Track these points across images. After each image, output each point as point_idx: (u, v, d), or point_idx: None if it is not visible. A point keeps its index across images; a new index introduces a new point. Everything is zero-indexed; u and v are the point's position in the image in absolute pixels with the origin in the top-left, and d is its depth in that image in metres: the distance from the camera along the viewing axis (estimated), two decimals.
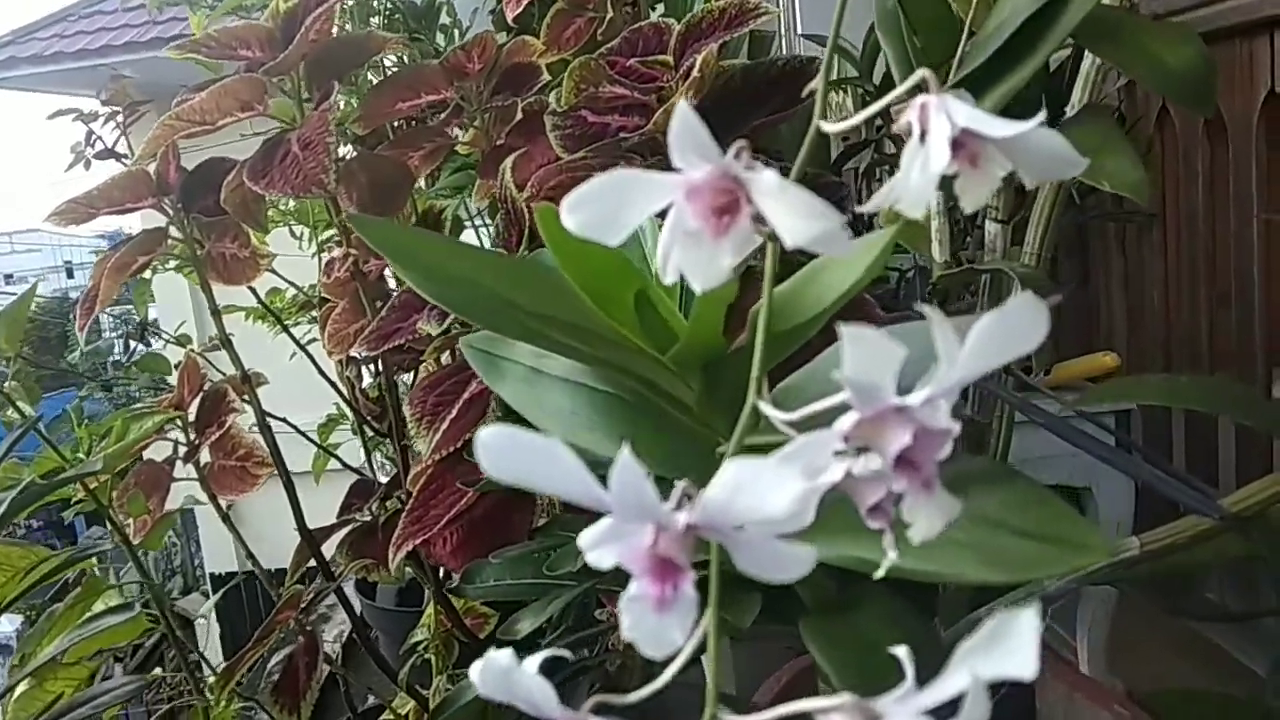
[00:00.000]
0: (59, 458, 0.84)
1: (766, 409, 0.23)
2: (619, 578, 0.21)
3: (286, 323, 1.34)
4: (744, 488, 0.18)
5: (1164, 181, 1.34)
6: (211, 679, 0.96)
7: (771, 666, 0.74)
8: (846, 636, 0.44)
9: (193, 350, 1.13)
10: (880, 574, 0.24)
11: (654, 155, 0.76)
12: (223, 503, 1.07)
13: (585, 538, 0.20)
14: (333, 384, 1.20)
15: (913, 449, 0.19)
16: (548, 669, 0.21)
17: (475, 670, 0.21)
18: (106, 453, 0.80)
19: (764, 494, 0.18)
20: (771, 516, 0.18)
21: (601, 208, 0.21)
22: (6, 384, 0.81)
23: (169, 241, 0.96)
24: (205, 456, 1.05)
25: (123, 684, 0.64)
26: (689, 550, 0.19)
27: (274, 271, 1.10)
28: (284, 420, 1.18)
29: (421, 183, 1.14)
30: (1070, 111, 0.52)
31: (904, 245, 0.58)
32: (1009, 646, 0.18)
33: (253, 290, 1.18)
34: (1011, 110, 0.53)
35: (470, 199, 1.06)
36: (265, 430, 1.00)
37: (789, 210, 0.19)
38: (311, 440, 1.28)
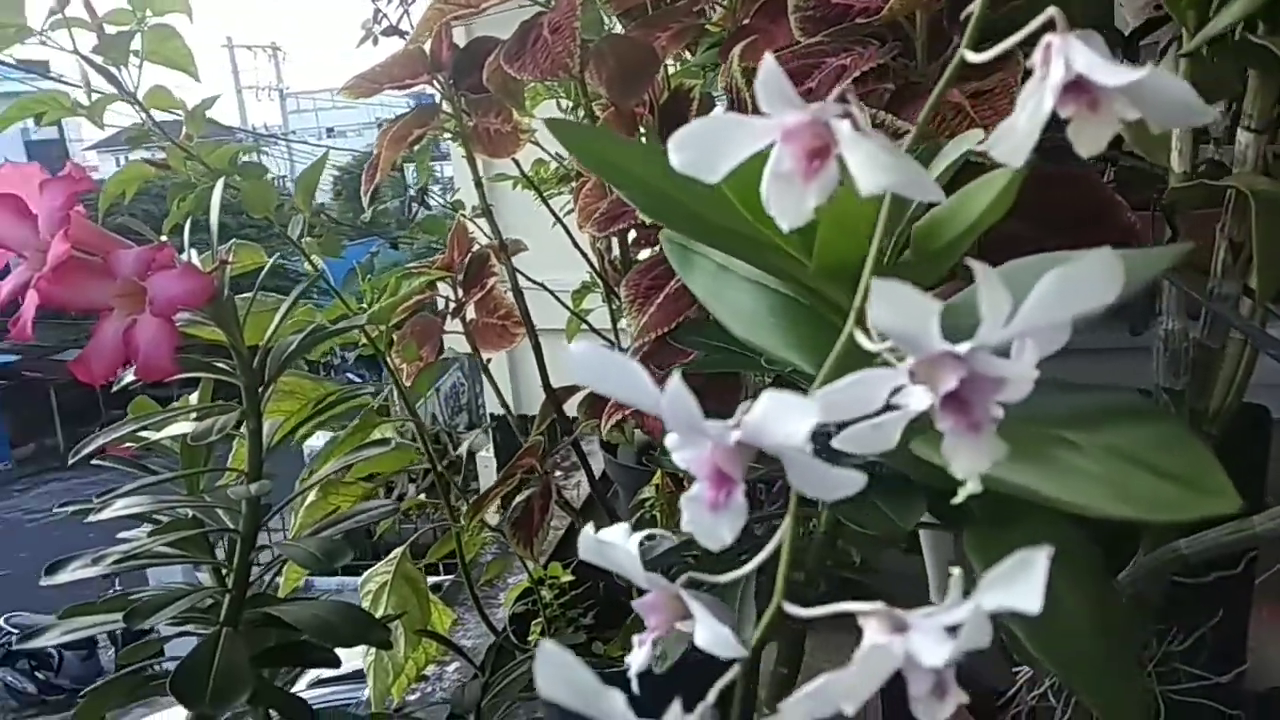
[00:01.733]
0: (345, 306, 0.97)
1: (860, 337, 0.24)
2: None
3: (549, 193, 1.42)
4: (770, 416, 0.20)
5: None
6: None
7: None
8: (1002, 551, 0.44)
9: (463, 215, 1.24)
10: (958, 500, 0.25)
11: (894, 39, 0.74)
12: (485, 355, 1.19)
13: (668, 440, 0.23)
14: (584, 254, 1.27)
15: (964, 391, 0.21)
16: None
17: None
18: (377, 306, 0.91)
19: (787, 423, 0.20)
20: (793, 444, 0.20)
21: (703, 147, 0.23)
22: (304, 239, 0.93)
23: (441, 116, 1.05)
24: (471, 313, 1.16)
25: (381, 505, 0.76)
26: (744, 464, 0.22)
27: (536, 143, 1.18)
28: (541, 285, 1.27)
29: (687, 54, 1.16)
30: None
31: (1140, 154, 0.54)
32: (1020, 582, 0.19)
33: (516, 162, 1.26)
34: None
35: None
36: (518, 295, 1.09)
37: (863, 160, 0.20)
38: (564, 304, 1.38)
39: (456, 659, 1.31)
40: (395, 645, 0.97)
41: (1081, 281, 0.19)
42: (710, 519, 0.22)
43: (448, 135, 1.19)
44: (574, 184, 1.29)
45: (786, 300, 0.44)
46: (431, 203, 1.56)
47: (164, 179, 0.96)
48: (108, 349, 0.58)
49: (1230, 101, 0.53)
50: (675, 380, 0.20)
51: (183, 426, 0.73)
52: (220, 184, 0.68)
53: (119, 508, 0.67)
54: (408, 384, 1.08)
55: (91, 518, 0.66)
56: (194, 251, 0.71)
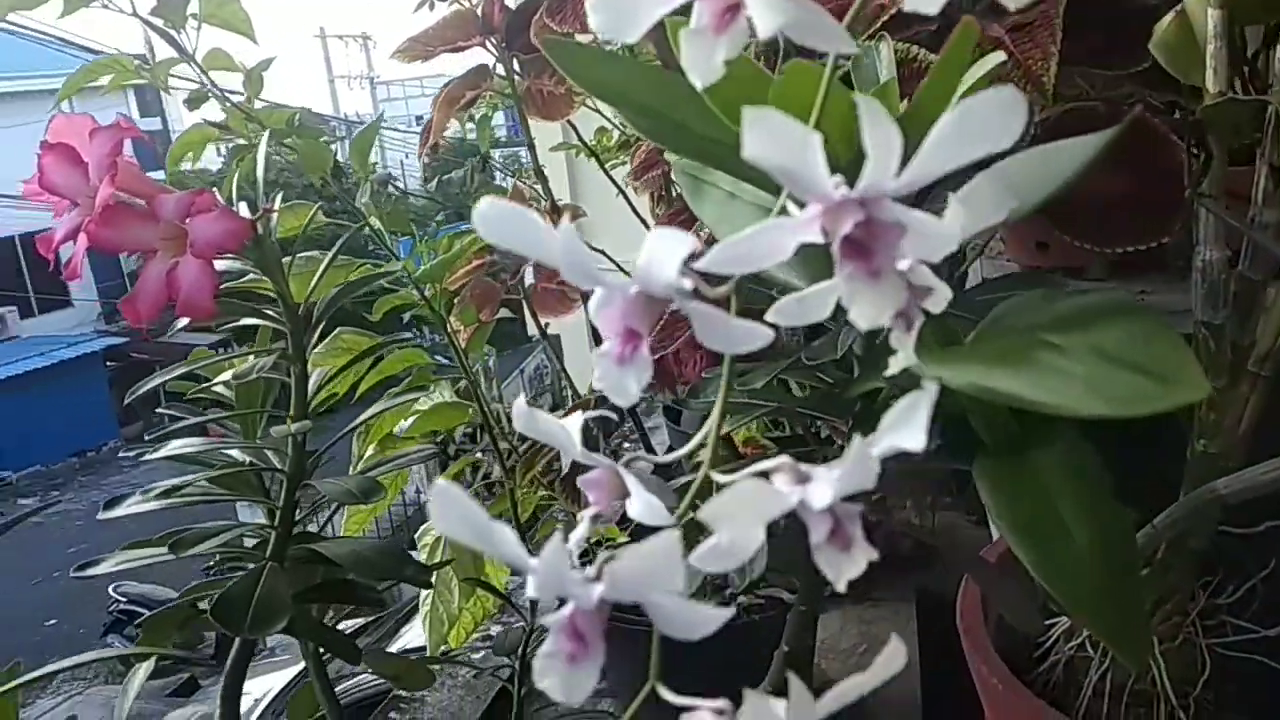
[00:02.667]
0: (401, 265, 0.99)
1: (792, 208, 0.24)
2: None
3: (613, 160, 1.42)
4: (651, 255, 0.20)
5: None
6: None
7: None
8: (1012, 480, 0.43)
9: (522, 180, 1.26)
10: (890, 373, 0.25)
11: None
12: (544, 320, 1.21)
13: (592, 301, 0.23)
14: (643, 221, 1.27)
15: (862, 236, 0.20)
16: None
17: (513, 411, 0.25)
18: (429, 265, 0.93)
19: (661, 259, 0.20)
20: (667, 280, 0.20)
21: (620, 7, 0.23)
22: (361, 201, 0.95)
23: (496, 79, 1.06)
24: (529, 278, 1.18)
25: (421, 450, 0.78)
26: (651, 317, 0.22)
27: (595, 109, 1.18)
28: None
29: None
30: None
31: (1171, 72, 0.51)
32: (906, 424, 0.19)
33: (572, 125, 1.27)
34: None
35: None
36: None
37: (759, 1, 0.20)
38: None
39: (520, 619, 1.34)
40: (450, 595, 0.99)
41: (980, 116, 0.19)
42: (618, 372, 0.22)
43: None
44: (633, 149, 1.29)
45: None
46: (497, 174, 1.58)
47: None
48: (152, 289, 0.61)
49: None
50: (565, 225, 0.21)
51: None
52: (266, 136, 0.71)
53: (173, 447, 0.70)
54: (464, 345, 1.10)
55: (147, 456, 0.70)
56: (244, 204, 0.74)
